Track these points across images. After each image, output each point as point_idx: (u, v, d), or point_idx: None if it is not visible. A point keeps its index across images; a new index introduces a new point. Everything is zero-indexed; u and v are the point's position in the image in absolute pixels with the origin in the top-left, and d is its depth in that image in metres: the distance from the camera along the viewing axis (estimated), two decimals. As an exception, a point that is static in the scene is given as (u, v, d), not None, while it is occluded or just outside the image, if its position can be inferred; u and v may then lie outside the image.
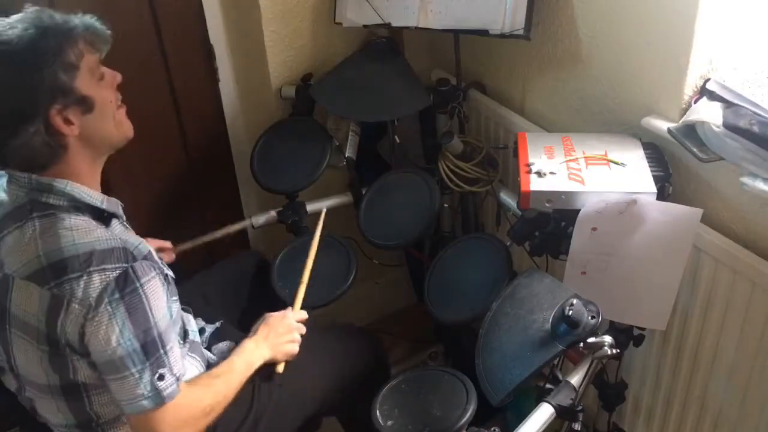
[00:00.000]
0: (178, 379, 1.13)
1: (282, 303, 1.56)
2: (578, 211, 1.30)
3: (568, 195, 1.31)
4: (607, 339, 1.21)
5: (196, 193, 2.05)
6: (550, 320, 1.21)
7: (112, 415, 1.20)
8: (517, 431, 1.16)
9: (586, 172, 1.35)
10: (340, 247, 1.70)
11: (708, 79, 1.31)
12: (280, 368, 1.39)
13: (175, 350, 1.14)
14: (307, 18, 1.85)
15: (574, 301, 1.16)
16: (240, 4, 1.85)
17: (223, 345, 1.43)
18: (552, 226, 1.38)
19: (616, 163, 1.36)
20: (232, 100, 1.99)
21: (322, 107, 1.86)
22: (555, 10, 1.57)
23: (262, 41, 1.81)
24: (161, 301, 1.13)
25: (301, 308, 1.50)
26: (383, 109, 1.78)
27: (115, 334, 1.06)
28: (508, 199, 1.73)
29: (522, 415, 1.21)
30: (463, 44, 1.79)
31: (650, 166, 1.35)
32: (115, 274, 1.06)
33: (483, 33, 1.60)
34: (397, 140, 1.90)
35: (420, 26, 1.70)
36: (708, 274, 1.36)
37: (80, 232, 1.09)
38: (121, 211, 1.21)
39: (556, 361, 1.27)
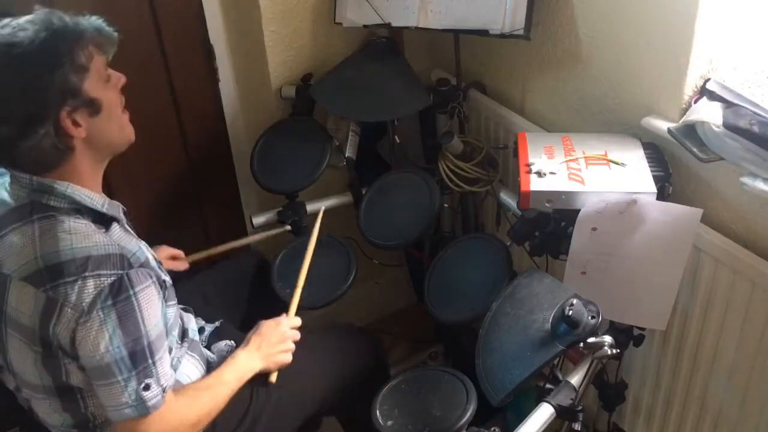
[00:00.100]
0: (164, 390, 1.13)
1: (282, 303, 1.56)
2: (578, 211, 1.30)
3: (568, 195, 1.31)
4: (607, 339, 1.21)
5: (196, 193, 2.05)
6: (550, 320, 1.21)
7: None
8: (517, 431, 1.16)
9: (586, 172, 1.35)
10: (340, 247, 1.70)
11: (708, 79, 1.31)
12: (273, 378, 1.39)
13: (164, 360, 1.14)
14: (307, 18, 1.85)
15: (574, 301, 1.16)
16: (240, 4, 1.85)
17: (222, 344, 1.44)
18: (552, 226, 1.38)
19: (616, 163, 1.36)
20: (232, 100, 1.99)
21: (322, 107, 1.86)
22: (555, 10, 1.57)
23: (262, 41, 1.81)
24: (155, 309, 1.13)
25: (302, 308, 1.50)
26: (383, 109, 1.78)
27: (104, 341, 1.07)
28: (508, 199, 1.73)
29: (522, 415, 1.21)
30: (463, 44, 1.79)
31: (650, 166, 1.35)
32: (109, 280, 1.07)
33: (483, 33, 1.60)
34: (397, 140, 1.90)
35: (420, 26, 1.70)
36: (708, 274, 1.36)
37: (79, 236, 1.09)
38: (122, 215, 1.21)
39: (556, 361, 1.27)
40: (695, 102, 1.31)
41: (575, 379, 1.24)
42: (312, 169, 1.78)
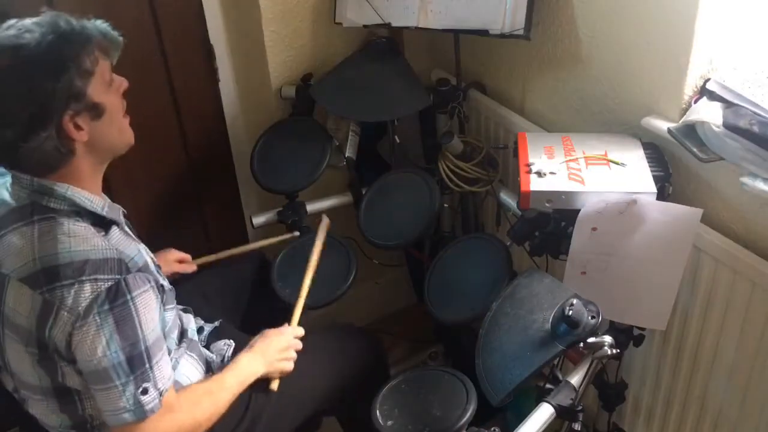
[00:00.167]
0: (161, 394, 1.13)
1: (282, 303, 1.56)
2: (578, 211, 1.30)
3: (568, 195, 1.31)
4: (607, 339, 1.21)
5: (196, 193, 2.05)
6: (550, 320, 1.21)
7: None
8: (517, 431, 1.16)
9: (586, 172, 1.35)
10: (340, 247, 1.70)
11: (708, 79, 1.31)
12: (275, 386, 1.39)
13: (161, 364, 1.14)
14: (307, 18, 1.85)
15: (574, 301, 1.16)
16: (240, 4, 1.85)
17: (221, 343, 1.44)
18: (552, 226, 1.38)
19: (616, 163, 1.36)
20: (232, 100, 1.99)
21: (322, 107, 1.86)
22: (555, 10, 1.57)
23: (262, 41, 1.81)
24: (152, 314, 1.13)
25: (303, 307, 1.50)
26: (383, 109, 1.78)
27: (101, 345, 1.07)
28: (508, 199, 1.73)
29: (522, 415, 1.21)
30: (463, 44, 1.79)
31: (650, 166, 1.35)
32: (106, 285, 1.07)
33: (483, 33, 1.60)
34: (397, 140, 1.90)
35: (420, 26, 1.70)
36: (708, 274, 1.36)
37: (77, 239, 1.09)
38: (122, 218, 1.21)
39: (556, 361, 1.27)
40: (695, 102, 1.31)
41: (575, 379, 1.24)
42: (312, 169, 1.78)
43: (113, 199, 1.31)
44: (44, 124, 1.06)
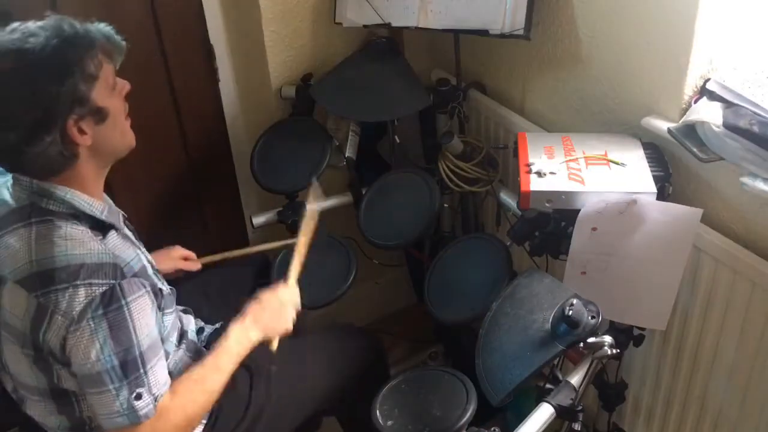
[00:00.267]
0: (156, 399, 1.12)
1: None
2: (578, 211, 1.30)
3: (568, 195, 1.31)
4: (607, 339, 1.21)
5: (196, 193, 2.05)
6: (550, 320, 1.21)
7: None
8: (517, 431, 1.16)
9: (586, 172, 1.35)
10: (340, 247, 1.70)
11: (708, 79, 1.31)
12: (274, 346, 1.33)
13: (156, 369, 1.13)
14: (307, 18, 1.85)
15: (574, 301, 1.16)
16: (240, 4, 1.85)
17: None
18: (552, 226, 1.38)
19: (616, 163, 1.36)
20: (232, 100, 1.99)
21: (322, 107, 1.86)
22: (555, 10, 1.57)
23: (262, 41, 1.81)
24: (147, 319, 1.12)
25: (303, 307, 1.48)
26: (383, 109, 1.78)
27: (95, 350, 1.06)
28: (508, 199, 1.73)
29: (522, 415, 1.21)
30: (463, 44, 1.79)
31: (650, 166, 1.35)
32: (101, 290, 1.06)
33: (483, 33, 1.60)
34: (397, 140, 1.90)
35: (420, 26, 1.70)
36: (708, 274, 1.36)
37: (74, 243, 1.09)
38: (121, 222, 1.21)
39: (556, 361, 1.27)
40: (695, 102, 1.31)
41: (575, 379, 1.24)
42: (312, 169, 1.77)
43: (114, 200, 1.31)
44: (48, 129, 1.06)
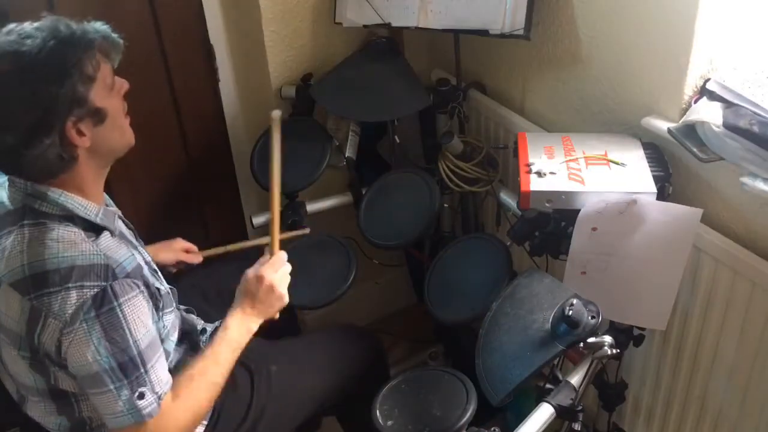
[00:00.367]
0: (159, 398, 1.12)
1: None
2: (578, 211, 1.30)
3: (568, 195, 1.31)
4: (607, 339, 1.21)
5: (196, 193, 2.05)
6: (550, 320, 1.21)
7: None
8: (517, 431, 1.16)
9: (586, 172, 1.35)
10: (340, 247, 1.70)
11: (708, 79, 1.31)
12: (276, 316, 1.32)
13: (157, 368, 1.13)
14: (307, 18, 1.85)
15: (574, 301, 1.16)
16: (240, 4, 1.85)
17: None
18: (552, 226, 1.38)
19: (616, 163, 1.36)
20: (232, 100, 1.99)
21: (322, 107, 1.86)
22: (555, 10, 1.57)
23: (262, 41, 1.81)
24: (144, 318, 1.12)
25: (302, 308, 1.48)
26: (383, 109, 1.78)
27: (90, 351, 1.06)
28: (508, 199, 1.73)
29: (522, 415, 1.21)
30: (463, 44, 1.79)
31: (650, 166, 1.35)
32: (92, 292, 1.06)
33: (483, 33, 1.60)
34: (397, 140, 1.90)
35: (420, 26, 1.70)
36: (708, 274, 1.36)
37: (65, 245, 1.08)
38: (116, 224, 1.19)
39: (556, 361, 1.27)
40: (695, 102, 1.31)
41: (575, 379, 1.24)
42: (312, 169, 1.78)
43: (114, 199, 1.31)
44: (47, 131, 1.05)
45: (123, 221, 1.26)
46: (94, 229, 1.14)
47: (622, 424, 1.73)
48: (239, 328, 1.28)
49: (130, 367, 1.09)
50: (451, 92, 1.82)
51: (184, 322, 1.37)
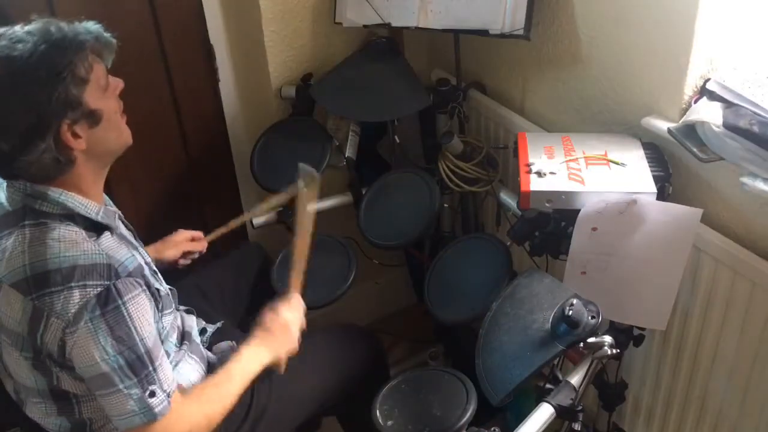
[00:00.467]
0: (168, 395, 1.12)
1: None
2: (578, 211, 1.30)
3: (568, 195, 1.31)
4: (607, 339, 1.21)
5: (196, 193, 2.05)
6: (550, 320, 1.21)
7: (105, 419, 1.19)
8: (517, 431, 1.16)
9: (586, 172, 1.35)
10: (340, 247, 1.70)
11: (708, 79, 1.31)
12: (282, 369, 1.36)
13: (164, 366, 1.14)
14: (307, 18, 1.85)
15: (574, 301, 1.16)
16: (240, 4, 1.85)
17: (224, 344, 1.43)
18: (552, 226, 1.38)
19: (616, 163, 1.36)
20: (232, 100, 1.99)
21: (322, 107, 1.86)
22: (555, 10, 1.57)
23: (262, 41, 1.81)
24: (147, 316, 1.12)
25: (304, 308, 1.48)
26: (383, 109, 1.78)
27: (98, 351, 1.06)
28: (508, 199, 1.73)
29: (522, 415, 1.21)
30: (463, 44, 1.79)
31: (650, 166, 1.35)
32: (95, 291, 1.05)
33: (483, 33, 1.60)
34: (397, 140, 1.90)
35: (420, 26, 1.70)
36: (708, 274, 1.36)
37: (67, 244, 1.08)
38: (117, 223, 1.20)
39: (556, 361, 1.27)
40: (695, 102, 1.31)
41: (575, 379, 1.24)
42: (312, 168, 1.77)
43: (113, 200, 1.31)
44: (42, 135, 1.05)
45: (123, 222, 1.26)
46: (95, 229, 1.14)
47: (622, 424, 1.73)
48: (252, 357, 1.30)
49: (138, 366, 1.09)
50: (451, 92, 1.82)
51: (183, 323, 1.37)
